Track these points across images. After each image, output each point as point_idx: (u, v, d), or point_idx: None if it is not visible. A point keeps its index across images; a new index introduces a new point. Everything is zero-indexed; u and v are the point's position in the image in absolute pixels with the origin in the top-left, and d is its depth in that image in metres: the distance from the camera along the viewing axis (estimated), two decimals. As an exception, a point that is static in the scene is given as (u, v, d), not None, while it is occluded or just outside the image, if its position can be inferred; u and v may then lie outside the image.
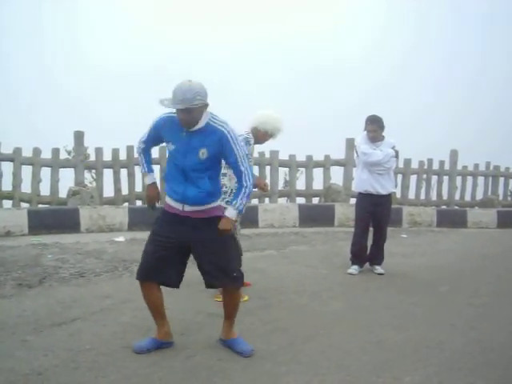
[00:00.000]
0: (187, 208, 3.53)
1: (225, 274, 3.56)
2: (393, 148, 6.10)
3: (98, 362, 3.42)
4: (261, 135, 5.00)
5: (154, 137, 3.65)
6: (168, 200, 3.59)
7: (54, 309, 4.44)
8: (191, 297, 4.73)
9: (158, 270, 3.58)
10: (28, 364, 3.32)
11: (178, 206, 3.54)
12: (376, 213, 6.17)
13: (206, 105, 3.37)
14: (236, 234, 4.98)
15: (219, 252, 3.55)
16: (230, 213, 3.50)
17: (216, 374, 3.33)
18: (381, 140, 6.10)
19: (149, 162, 3.79)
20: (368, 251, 6.36)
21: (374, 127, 6.02)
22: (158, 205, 3.89)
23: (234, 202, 3.51)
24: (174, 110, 3.41)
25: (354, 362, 3.57)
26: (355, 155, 6.38)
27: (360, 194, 6.28)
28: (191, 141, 3.43)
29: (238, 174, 3.52)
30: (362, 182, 6.20)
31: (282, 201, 11.30)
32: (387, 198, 6.23)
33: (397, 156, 6.19)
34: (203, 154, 3.43)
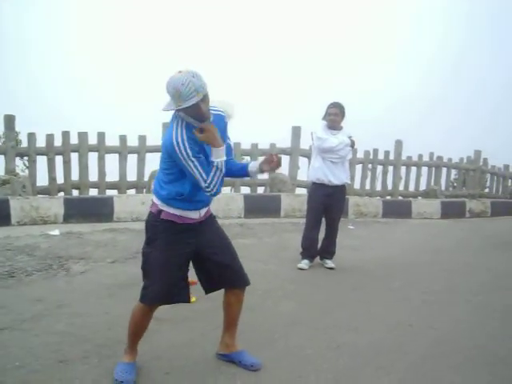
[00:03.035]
0: (203, 211, 3.18)
1: (238, 273, 3.29)
2: (349, 138, 5.90)
3: (29, 381, 3.02)
4: None
5: None
6: (180, 213, 3.07)
7: (-22, 316, 3.95)
8: (135, 299, 4.31)
9: (179, 289, 3.18)
10: None
11: (195, 215, 3.13)
12: (329, 204, 5.95)
13: None
14: None
15: (229, 252, 3.29)
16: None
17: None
18: (339, 129, 5.89)
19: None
20: (319, 244, 6.14)
21: (336, 110, 5.82)
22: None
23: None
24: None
25: (313, 371, 3.32)
26: (311, 143, 6.13)
27: (313, 183, 6.04)
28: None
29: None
30: (315, 170, 5.96)
31: (226, 190, 10.97)
32: (341, 189, 6.02)
33: (353, 146, 5.99)
34: None
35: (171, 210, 3.06)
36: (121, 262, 5.80)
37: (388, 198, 12.06)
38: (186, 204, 3.06)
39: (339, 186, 5.97)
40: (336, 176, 5.91)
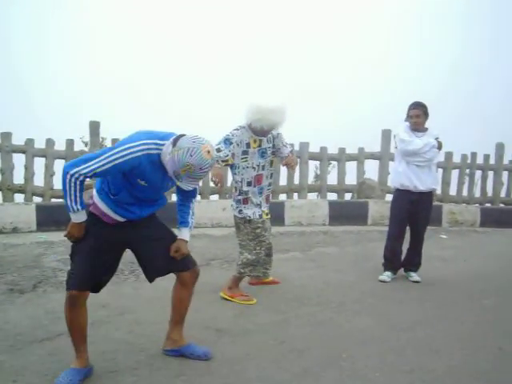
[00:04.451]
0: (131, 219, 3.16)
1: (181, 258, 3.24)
2: (436, 139, 5.41)
3: (75, 390, 2.88)
4: (259, 131, 4.54)
5: (113, 173, 2.91)
6: (110, 213, 3.04)
7: (41, 321, 3.92)
8: (199, 308, 4.10)
9: (97, 276, 3.13)
10: (-11, 393, 2.81)
11: (122, 219, 3.09)
12: (414, 212, 5.47)
13: None
14: (264, 234, 4.66)
15: (169, 241, 3.25)
16: (187, 236, 3.30)
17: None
18: (423, 131, 5.41)
19: (82, 195, 2.91)
20: (403, 255, 5.68)
21: (418, 112, 5.35)
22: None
23: (189, 225, 3.33)
24: (149, 149, 2.85)
25: (381, 399, 2.95)
26: (393, 146, 5.68)
27: (397, 190, 5.59)
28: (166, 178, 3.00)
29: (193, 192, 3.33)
30: (398, 175, 5.51)
31: (312, 196, 10.63)
32: (427, 196, 5.52)
33: (440, 147, 5.47)
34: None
35: (99, 204, 3.02)
36: (193, 268, 5.65)
37: (487, 205, 11.17)
38: (122, 210, 3.04)
39: (425, 192, 5.48)
40: (422, 181, 5.43)
